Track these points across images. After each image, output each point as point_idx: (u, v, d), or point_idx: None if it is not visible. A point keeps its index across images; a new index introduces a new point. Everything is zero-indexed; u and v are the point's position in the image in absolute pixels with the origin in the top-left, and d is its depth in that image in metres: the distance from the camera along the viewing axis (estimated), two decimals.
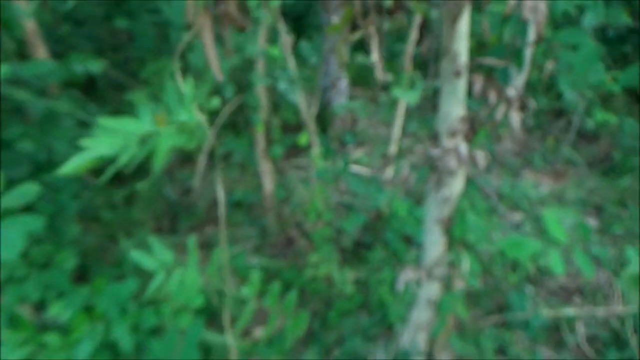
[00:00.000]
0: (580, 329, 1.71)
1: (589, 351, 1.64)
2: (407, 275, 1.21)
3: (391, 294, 1.74)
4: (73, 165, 0.41)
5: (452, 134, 0.91)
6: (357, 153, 3.01)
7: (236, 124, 3.27)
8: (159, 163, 0.42)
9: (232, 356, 1.60)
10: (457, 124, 0.90)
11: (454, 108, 0.90)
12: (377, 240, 2.15)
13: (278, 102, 2.70)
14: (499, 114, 0.79)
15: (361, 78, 3.53)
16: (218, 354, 1.65)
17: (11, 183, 0.95)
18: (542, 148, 3.18)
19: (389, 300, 1.72)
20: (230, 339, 1.66)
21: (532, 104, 0.81)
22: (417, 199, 2.51)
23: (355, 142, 3.27)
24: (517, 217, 2.41)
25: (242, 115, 3.09)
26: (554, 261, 0.65)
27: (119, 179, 2.45)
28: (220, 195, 1.38)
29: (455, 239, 1.14)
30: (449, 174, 0.93)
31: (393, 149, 1.95)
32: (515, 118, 0.79)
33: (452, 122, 0.90)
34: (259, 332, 1.88)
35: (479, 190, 1.02)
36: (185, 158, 3.00)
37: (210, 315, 1.87)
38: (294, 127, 3.31)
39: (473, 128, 0.90)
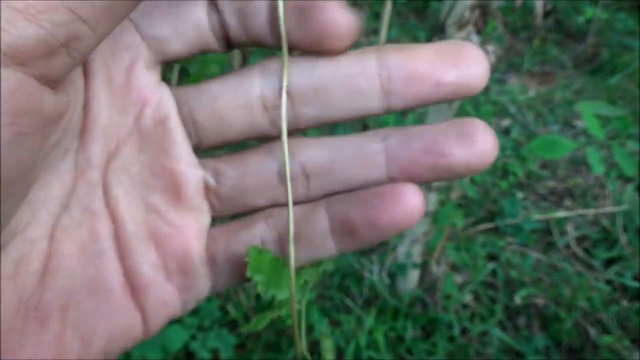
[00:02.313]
0: (570, 231, 1.72)
1: (579, 251, 1.66)
2: None
3: None
4: None
5: (461, 24, 0.79)
6: None
7: None
8: None
9: None
10: (466, 11, 0.78)
11: None
12: None
13: None
14: None
15: None
16: None
17: None
18: (530, 50, 3.06)
19: None
20: None
21: None
22: (404, 112, 2.41)
23: None
24: (505, 122, 2.35)
25: None
26: (593, 159, 0.58)
27: None
28: None
29: None
30: None
31: None
32: (538, 2, 0.68)
33: (461, 10, 0.78)
34: None
35: (486, 92, 0.93)
36: None
37: None
38: None
39: (484, 16, 0.79)
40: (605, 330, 1.45)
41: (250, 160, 0.21)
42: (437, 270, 1.47)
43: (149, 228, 0.20)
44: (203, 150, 0.21)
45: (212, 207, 0.21)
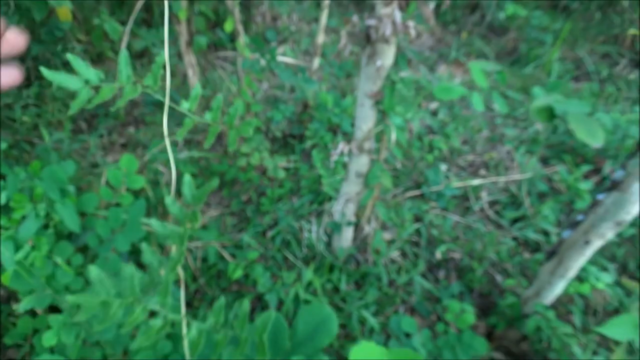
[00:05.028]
0: (484, 196, 1.96)
1: (491, 213, 1.90)
2: (340, 148, 1.30)
3: (322, 175, 1.86)
4: None
5: (388, 3, 0.96)
6: (282, 49, 2.97)
7: (148, 20, 3.06)
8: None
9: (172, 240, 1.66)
10: None
11: None
12: (305, 131, 2.23)
13: None
14: None
15: None
16: (158, 239, 1.70)
17: None
18: (457, 42, 3.33)
19: (320, 181, 1.85)
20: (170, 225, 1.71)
21: None
22: (342, 92, 2.59)
23: (278, 39, 3.21)
24: (433, 105, 2.58)
25: (157, 8, 2.89)
26: (476, 100, 0.76)
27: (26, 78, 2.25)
28: None
29: (384, 111, 1.23)
30: (383, 42, 0.99)
31: (320, 38, 1.96)
32: None
33: None
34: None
35: (408, 62, 1.09)
36: (100, 55, 2.79)
37: (148, 209, 1.89)
38: (213, 24, 3.16)
39: None
40: (510, 277, 1.70)
41: None
42: (368, 228, 1.65)
43: None
44: None
45: None
